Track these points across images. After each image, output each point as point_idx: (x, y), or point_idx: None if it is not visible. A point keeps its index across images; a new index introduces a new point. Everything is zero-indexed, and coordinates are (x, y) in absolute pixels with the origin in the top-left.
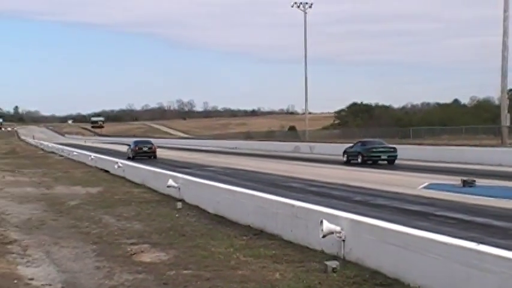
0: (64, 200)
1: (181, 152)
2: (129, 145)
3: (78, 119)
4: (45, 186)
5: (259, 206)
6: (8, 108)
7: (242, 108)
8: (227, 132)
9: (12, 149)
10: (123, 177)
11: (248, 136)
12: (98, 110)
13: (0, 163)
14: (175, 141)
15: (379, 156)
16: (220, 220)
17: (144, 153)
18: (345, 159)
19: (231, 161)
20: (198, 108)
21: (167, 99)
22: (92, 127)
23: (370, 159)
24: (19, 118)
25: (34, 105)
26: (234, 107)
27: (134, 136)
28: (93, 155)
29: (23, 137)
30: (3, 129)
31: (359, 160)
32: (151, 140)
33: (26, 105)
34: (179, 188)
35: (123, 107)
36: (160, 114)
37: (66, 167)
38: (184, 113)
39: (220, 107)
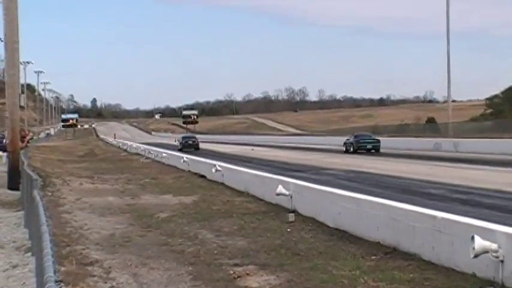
0: (153, 212)
1: (292, 151)
2: (179, 139)
3: (167, 113)
4: (130, 195)
5: (391, 217)
6: (85, 102)
7: (367, 96)
8: (348, 126)
9: (90, 150)
10: (222, 184)
11: (375, 131)
12: (190, 101)
13: (76, 168)
14: (285, 138)
15: (366, 146)
16: (342, 235)
17: (189, 146)
18: (344, 149)
19: (354, 162)
20: (312, 97)
21: (274, 87)
22: (184, 123)
23: (359, 148)
24: (97, 113)
25: (115, 98)
26: (357, 95)
27: (235, 133)
28: (185, 156)
29: (102, 136)
30: (79, 126)
31: (351, 149)
32: (249, 136)
33: (105, 97)
34: (291, 196)
35: (221, 97)
36: (265, 105)
37: (154, 172)
38: (295, 104)
39: (339, 96)
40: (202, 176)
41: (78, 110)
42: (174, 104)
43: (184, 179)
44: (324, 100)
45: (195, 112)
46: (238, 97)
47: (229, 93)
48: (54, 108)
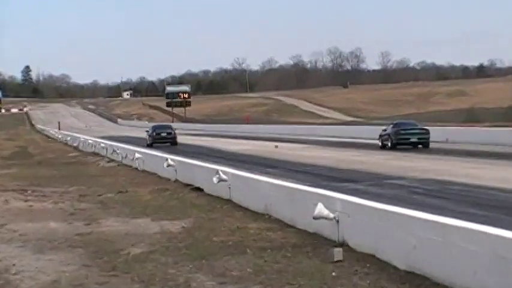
0: (119, 246)
1: (339, 149)
2: (147, 131)
3: (142, 89)
4: (84, 219)
5: (498, 255)
6: (12, 72)
7: (458, 62)
8: (429, 110)
9: (21, 148)
10: (229, 200)
11: (471, 117)
12: (178, 72)
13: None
14: (329, 129)
15: (408, 139)
16: (419, 283)
17: (162, 139)
18: (380, 143)
19: (438, 166)
20: (371, 64)
21: (311, 49)
22: (168, 105)
23: (398, 143)
24: (32, 89)
25: (60, 67)
26: (441, 60)
27: (248, 121)
28: (170, 158)
29: (39, 126)
30: (3, 110)
31: (389, 144)
32: (271, 126)
33: (44, 65)
34: (337, 221)
35: (227, 65)
36: (297, 78)
37: (121, 182)
38: (345, 75)
39: (414, 62)
40: (198, 189)
41: (1, 85)
42: (153, 76)
43: (170, 194)
44: (390, 69)
45: (186, 88)
46: (254, 65)
47: (240, 59)
48: None
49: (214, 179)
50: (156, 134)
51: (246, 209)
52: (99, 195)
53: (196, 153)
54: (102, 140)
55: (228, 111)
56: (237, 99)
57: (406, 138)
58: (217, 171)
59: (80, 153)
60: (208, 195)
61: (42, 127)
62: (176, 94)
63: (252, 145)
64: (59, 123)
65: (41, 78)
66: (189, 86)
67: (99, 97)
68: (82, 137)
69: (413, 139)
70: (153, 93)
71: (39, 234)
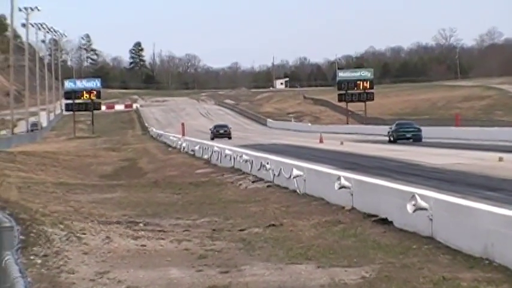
0: None
1: None
2: (211, 129)
3: (303, 75)
4: (220, 264)
5: None
6: (117, 52)
7: None
8: None
9: (130, 161)
10: (430, 238)
11: None
12: (355, 50)
13: (98, 202)
14: None
15: (404, 135)
16: None
17: (220, 135)
18: (387, 139)
19: None
20: None
21: None
22: (341, 99)
23: (398, 138)
24: (145, 77)
25: (185, 46)
26: None
27: (457, 123)
28: (344, 176)
29: (154, 130)
30: (103, 107)
31: (392, 139)
32: (494, 129)
33: (161, 43)
34: None
35: (426, 40)
36: None
37: (273, 211)
38: None
39: None
40: (385, 221)
41: (101, 72)
42: (319, 57)
43: (344, 228)
44: None
45: (367, 74)
46: (468, 39)
47: (447, 30)
48: (49, 66)
49: (409, 207)
50: (216, 131)
51: (455, 251)
52: (241, 230)
53: (381, 168)
54: (245, 151)
55: (428, 107)
56: (443, 90)
57: (403, 135)
58: (413, 196)
59: (214, 169)
60: (400, 230)
61: (159, 131)
62: (353, 83)
63: (464, 157)
64: (183, 125)
65: (158, 60)
66: (371, 70)
67: (241, 87)
68: (216, 145)
69: (408, 135)
70: (319, 81)
71: (156, 286)
